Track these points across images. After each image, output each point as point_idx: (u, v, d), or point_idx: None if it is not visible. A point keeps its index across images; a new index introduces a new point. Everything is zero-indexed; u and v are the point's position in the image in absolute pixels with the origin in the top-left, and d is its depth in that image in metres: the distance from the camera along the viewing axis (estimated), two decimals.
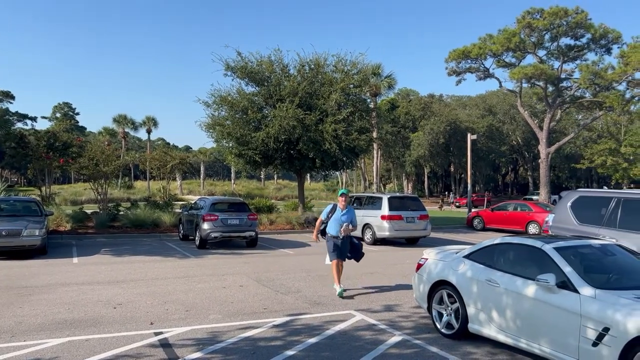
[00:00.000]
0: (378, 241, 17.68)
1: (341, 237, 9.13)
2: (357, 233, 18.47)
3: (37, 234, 13.62)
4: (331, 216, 9.32)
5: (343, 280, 9.70)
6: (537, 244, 5.97)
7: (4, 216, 14.77)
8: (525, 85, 43.60)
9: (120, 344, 6.18)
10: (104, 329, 6.85)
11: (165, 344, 6.20)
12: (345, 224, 9.06)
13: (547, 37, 40.14)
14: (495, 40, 40.43)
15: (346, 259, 9.56)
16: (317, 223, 9.70)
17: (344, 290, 9.17)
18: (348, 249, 9.37)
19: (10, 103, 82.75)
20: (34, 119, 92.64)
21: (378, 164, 48.32)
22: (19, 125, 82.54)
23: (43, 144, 25.27)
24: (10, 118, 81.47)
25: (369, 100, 30.69)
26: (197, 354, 5.82)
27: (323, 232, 9.54)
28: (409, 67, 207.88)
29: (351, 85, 22.79)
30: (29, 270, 11.59)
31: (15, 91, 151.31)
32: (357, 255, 9.57)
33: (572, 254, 5.73)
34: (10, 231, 13.30)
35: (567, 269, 5.38)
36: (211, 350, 5.97)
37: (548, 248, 5.78)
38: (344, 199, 9.32)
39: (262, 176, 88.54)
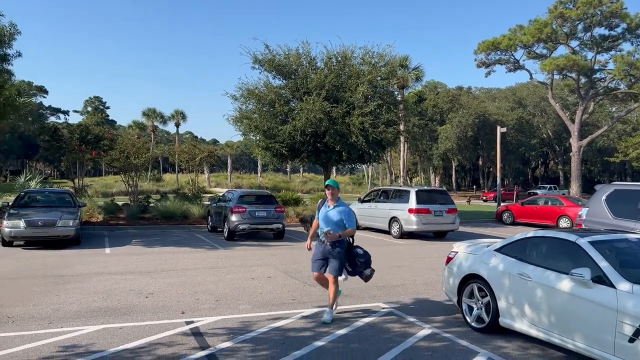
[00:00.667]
0: (405, 235, 17.58)
1: (323, 240, 6.87)
2: (384, 226, 18.46)
3: (71, 224, 13.98)
4: (319, 212, 7.10)
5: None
6: (572, 237, 5.85)
7: (39, 207, 15.21)
8: (556, 76, 42.67)
9: (153, 332, 6.31)
10: (137, 317, 7.00)
11: (196, 333, 6.30)
12: (327, 228, 6.80)
13: (580, 27, 39.16)
14: (525, 31, 39.63)
15: (345, 275, 7.23)
16: (314, 224, 7.32)
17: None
18: (339, 259, 6.88)
19: (44, 97, 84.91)
20: (66, 112, 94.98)
21: (405, 157, 48.03)
22: (52, 119, 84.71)
23: (76, 137, 25.86)
24: (44, 112, 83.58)
25: (396, 92, 30.51)
26: (228, 343, 5.90)
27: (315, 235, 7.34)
28: (436, 59, 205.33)
29: (378, 78, 22.65)
30: (64, 259, 11.91)
31: (48, 85, 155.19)
32: (363, 271, 6.99)
33: (607, 248, 5.60)
34: (45, 221, 13.68)
35: (603, 264, 5.26)
36: (242, 340, 6.05)
37: (583, 242, 5.66)
38: (330, 191, 6.94)
39: (288, 169, 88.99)
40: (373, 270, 7.03)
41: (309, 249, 7.29)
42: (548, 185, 56.79)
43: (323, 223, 6.87)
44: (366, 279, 7.01)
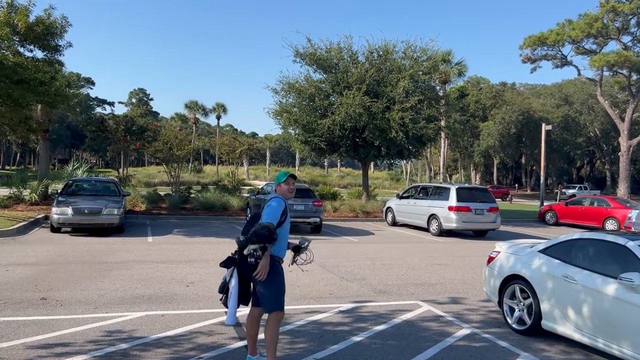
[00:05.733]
0: (444, 232, 17.35)
1: (301, 262, 5.16)
2: (423, 224, 18.24)
3: (115, 213, 14.38)
4: (284, 220, 4.74)
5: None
6: (621, 240, 5.64)
7: (86, 195, 15.68)
8: (606, 73, 41.13)
9: (193, 320, 6.45)
10: (178, 305, 7.17)
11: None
12: (307, 243, 5.17)
13: (633, 21, 37.58)
14: (574, 25, 38.30)
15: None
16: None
17: None
18: None
19: (91, 89, 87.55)
20: (111, 103, 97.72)
21: (445, 153, 47.31)
22: (98, 109, 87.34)
23: (121, 128, 26.62)
24: (91, 103, 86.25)
25: (438, 87, 30.06)
26: None
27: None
28: (480, 54, 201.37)
29: (420, 72, 22.38)
30: (108, 247, 12.28)
31: (94, 76, 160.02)
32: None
33: None
34: (91, 209, 14.13)
35: None
36: (279, 332, 6.09)
37: (632, 245, 5.45)
38: (294, 184, 5.03)
39: (325, 163, 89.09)
40: None
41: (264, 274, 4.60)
42: (578, 185, 54.62)
43: (286, 234, 4.86)
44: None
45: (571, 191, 48.22)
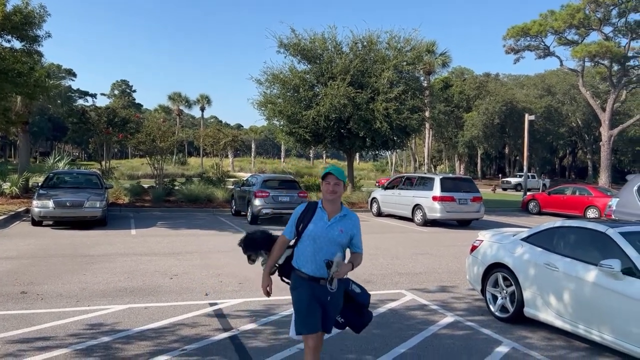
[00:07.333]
0: (428, 222, 17.45)
1: (330, 283, 3.81)
2: (407, 214, 18.33)
3: (98, 205, 14.22)
4: (304, 228, 4.00)
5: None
6: (601, 228, 5.71)
7: (68, 188, 15.47)
8: (588, 64, 41.54)
9: (177, 313, 6.40)
10: (161, 298, 7.11)
11: (219, 315, 6.37)
12: (338, 256, 3.82)
13: (614, 12, 37.97)
14: (557, 16, 38.59)
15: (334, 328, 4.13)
16: (277, 248, 4.16)
17: None
18: (339, 306, 4.06)
19: (72, 80, 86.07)
20: (94, 95, 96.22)
21: (429, 144, 47.52)
22: (80, 101, 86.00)
23: (103, 120, 26.27)
24: (72, 95, 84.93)
25: (422, 78, 30.11)
26: (251, 325, 5.96)
27: (284, 269, 4.18)
28: (464, 45, 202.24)
29: (404, 63, 22.36)
30: (91, 239, 12.14)
31: (76, 68, 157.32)
32: (362, 319, 4.17)
33: (638, 240, 5.45)
34: (73, 202, 13.95)
35: (634, 255, 5.12)
36: (264, 322, 6.10)
37: (612, 232, 5.52)
38: (333, 187, 4.00)
39: (311, 155, 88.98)
40: (371, 315, 4.27)
41: (269, 293, 4.20)
42: (521, 173, 55.26)
43: (316, 246, 3.87)
44: (361, 329, 4.29)
45: (515, 180, 49.40)
